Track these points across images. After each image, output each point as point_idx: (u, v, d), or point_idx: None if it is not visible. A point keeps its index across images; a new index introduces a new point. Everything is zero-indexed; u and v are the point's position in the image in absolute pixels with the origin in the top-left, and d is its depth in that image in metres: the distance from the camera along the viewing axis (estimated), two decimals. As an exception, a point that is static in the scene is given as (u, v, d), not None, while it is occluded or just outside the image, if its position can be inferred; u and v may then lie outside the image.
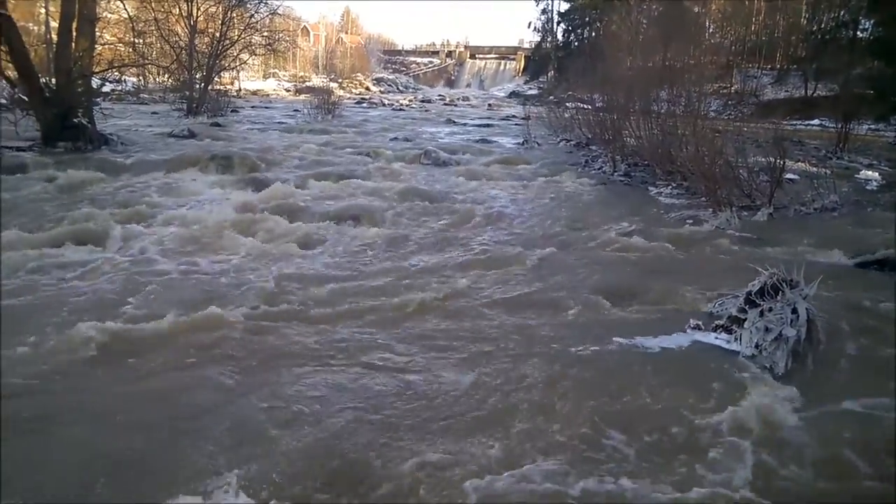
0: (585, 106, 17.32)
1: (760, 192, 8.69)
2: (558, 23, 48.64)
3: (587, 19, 42.83)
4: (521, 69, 57.23)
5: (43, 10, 24.76)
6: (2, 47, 12.47)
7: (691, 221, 8.04)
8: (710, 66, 19.10)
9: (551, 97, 28.30)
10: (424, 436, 3.17)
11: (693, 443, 3.13)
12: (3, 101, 18.28)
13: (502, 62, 61.09)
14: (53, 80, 13.21)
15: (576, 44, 43.10)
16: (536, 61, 52.30)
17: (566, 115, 18.02)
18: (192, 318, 4.41)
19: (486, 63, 62.57)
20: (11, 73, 13.12)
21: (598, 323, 4.68)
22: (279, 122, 20.73)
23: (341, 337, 4.34)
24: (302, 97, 32.20)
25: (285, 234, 6.92)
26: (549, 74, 47.07)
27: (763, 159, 9.19)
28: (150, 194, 8.72)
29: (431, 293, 5.17)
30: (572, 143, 16.36)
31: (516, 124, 22.21)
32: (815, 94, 29.74)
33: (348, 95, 39.22)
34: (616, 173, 11.97)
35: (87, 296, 4.90)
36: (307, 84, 42.50)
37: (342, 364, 3.94)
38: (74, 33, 12.94)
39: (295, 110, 25.38)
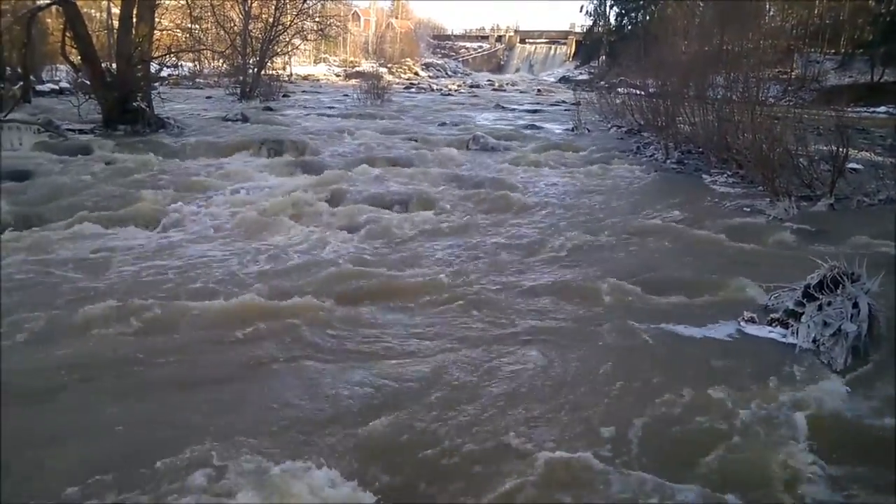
0: (638, 91, 16.91)
1: (821, 181, 8.34)
2: (611, 6, 47.59)
3: (641, 2, 41.74)
4: (572, 54, 56.23)
5: (105, -3, 25.53)
6: (67, 33, 12.96)
7: (747, 211, 7.80)
8: (769, 50, 18.39)
9: (602, 82, 27.71)
10: (474, 418, 3.19)
11: (746, 437, 3.05)
12: (68, 85, 19.02)
13: (552, 47, 60.08)
14: (114, 65, 13.65)
15: (629, 28, 42.09)
16: (588, 46, 51.31)
17: (618, 101, 17.63)
18: (239, 299, 4.52)
19: (535, 48, 61.67)
20: (75, 58, 13.62)
21: (646, 312, 4.61)
22: (329, 107, 20.94)
23: (384, 319, 4.39)
24: (351, 82, 32.41)
25: (333, 217, 7.01)
26: (600, 59, 46.13)
27: (824, 148, 8.81)
28: (203, 177, 8.94)
29: (476, 277, 5.19)
30: (623, 129, 16.02)
31: (566, 110, 21.89)
32: (882, 80, 28.29)
33: (397, 80, 39.28)
34: (668, 161, 11.68)
35: (139, 274, 5.09)
36: (357, 69, 42.73)
37: (386, 346, 3.99)
38: (135, 20, 13.32)
39: (344, 95, 25.59)
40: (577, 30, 56.70)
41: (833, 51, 34.76)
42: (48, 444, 2.91)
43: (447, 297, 4.80)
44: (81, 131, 12.45)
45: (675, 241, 6.48)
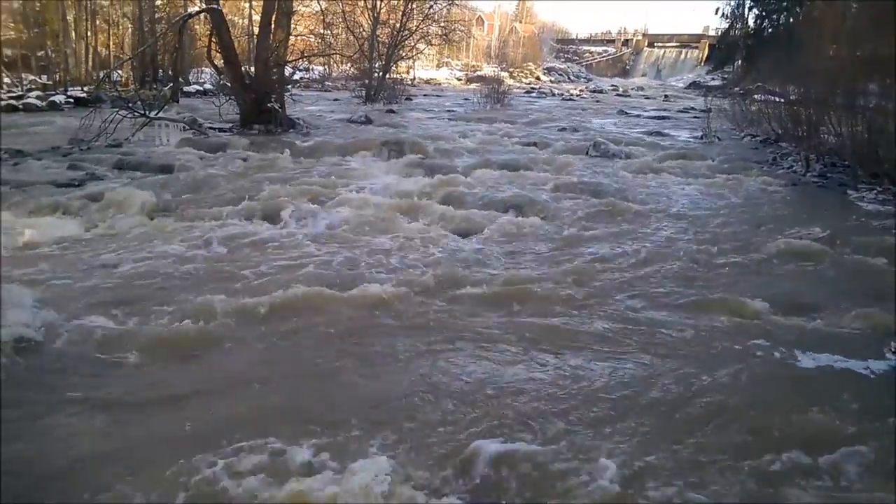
0: (777, 98, 15.71)
1: None
2: (750, 8, 44.63)
3: (785, 3, 38.89)
4: (704, 58, 53.40)
5: (247, 5, 27.41)
6: (213, 38, 13.99)
7: (900, 232, 7.00)
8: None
9: (737, 88, 26.09)
10: (566, 424, 3.07)
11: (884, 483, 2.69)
12: (211, 87, 20.54)
13: (683, 51, 57.41)
14: (253, 69, 14.58)
15: (769, 30, 39.32)
16: (722, 50, 48.38)
17: (753, 108, 16.48)
18: (349, 293, 4.66)
19: (664, 52, 59.22)
20: (219, 61, 14.68)
21: (775, 335, 4.24)
22: (449, 111, 21.20)
23: (490, 322, 4.35)
24: (472, 86, 32.67)
25: (449, 219, 7.03)
26: (735, 64, 43.45)
27: None
28: (327, 175, 9.28)
29: (587, 287, 5.01)
30: (759, 138, 14.95)
31: (695, 117, 20.78)
32: None
33: (518, 85, 39.17)
34: (809, 173, 10.74)
35: (261, 265, 5.36)
36: (478, 73, 43.05)
37: (487, 347, 3.96)
38: (273, 26, 14.14)
39: (465, 99, 25.82)
40: (711, 33, 53.81)
41: None
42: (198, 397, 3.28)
43: (555, 303, 4.68)
44: (221, 130, 13.41)
45: (815, 261, 5.91)
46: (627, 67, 60.01)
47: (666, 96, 34.58)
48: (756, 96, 17.82)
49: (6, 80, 19.44)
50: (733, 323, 4.45)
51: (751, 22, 44.39)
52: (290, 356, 3.86)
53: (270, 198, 7.63)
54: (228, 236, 6.12)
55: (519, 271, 5.39)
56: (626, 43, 62.24)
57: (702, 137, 15.58)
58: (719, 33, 51.47)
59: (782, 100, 14.91)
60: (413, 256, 5.70)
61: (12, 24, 21.73)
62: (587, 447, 2.94)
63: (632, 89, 40.95)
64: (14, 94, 17.68)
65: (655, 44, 60.39)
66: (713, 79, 44.19)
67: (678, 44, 58.49)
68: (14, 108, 16.33)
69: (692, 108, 24.64)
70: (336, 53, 25.53)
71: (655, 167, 10.95)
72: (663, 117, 21.52)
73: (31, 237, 5.91)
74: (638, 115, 21.99)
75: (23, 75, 20.11)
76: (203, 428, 3.02)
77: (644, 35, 61.55)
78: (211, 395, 3.35)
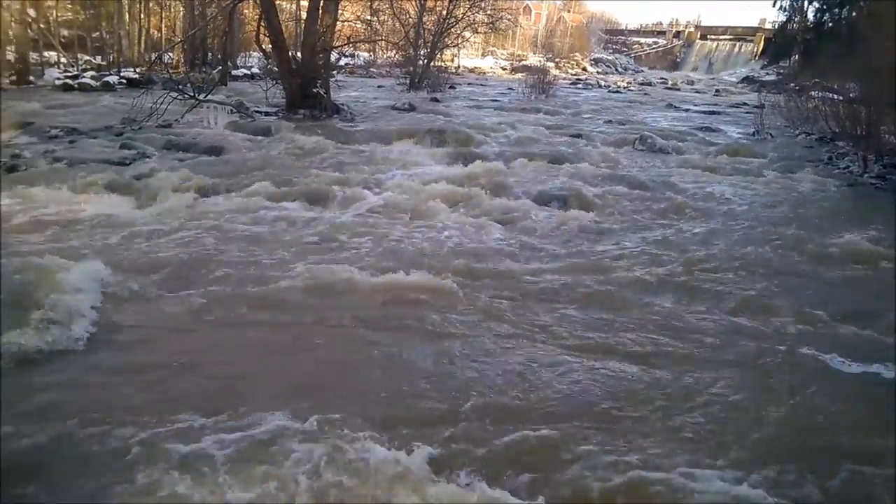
0: (835, 96, 15.11)
1: None
2: (810, 1, 42.99)
3: (847, -3, 37.32)
4: (759, 52, 51.72)
5: (296, -10, 27.63)
6: (261, 23, 14.13)
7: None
8: None
9: (792, 84, 25.21)
10: (610, 426, 3.01)
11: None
12: (258, 71, 20.82)
13: (737, 44, 55.67)
14: (299, 54, 14.69)
15: (830, 25, 37.82)
16: (778, 44, 46.67)
17: (809, 105, 15.88)
18: (388, 278, 4.70)
19: (717, 44, 57.54)
20: (266, 46, 14.83)
21: (826, 342, 4.08)
22: (493, 100, 21.03)
23: (531, 315, 4.30)
24: (517, 76, 32.30)
25: (489, 209, 6.98)
26: (791, 59, 41.95)
27: None
28: (370, 162, 9.33)
29: (630, 284, 4.91)
30: (814, 136, 14.41)
31: (747, 112, 20.15)
32: None
33: (563, 75, 38.61)
34: (867, 174, 10.30)
35: (303, 247, 5.49)
36: (523, 63, 42.57)
37: (524, 340, 3.93)
38: (320, 11, 14.19)
39: (509, 88, 25.57)
40: (767, 26, 52.08)
41: None
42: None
43: (596, 300, 4.60)
44: (267, 113, 13.59)
45: (871, 265, 5.67)
46: (678, 60, 58.58)
47: (717, 91, 33.65)
48: (813, 93, 17.14)
49: (63, 59, 20.02)
50: (782, 328, 4.29)
51: (810, 15, 42.64)
52: (322, 336, 3.90)
53: (313, 181, 7.72)
54: (272, 217, 6.25)
55: (560, 264, 5.30)
56: (677, 35, 60.74)
57: (754, 134, 15.11)
58: (776, 26, 49.73)
59: (841, 97, 14.36)
60: (454, 245, 5.67)
61: (69, 6, 22.38)
62: (616, 442, 2.88)
63: (682, 82, 39.95)
64: (70, 74, 18.20)
65: (708, 36, 58.75)
66: (768, 73, 42.79)
67: (732, 36, 56.78)
68: (70, 88, 16.84)
69: (744, 104, 23.92)
70: (381, 40, 25.60)
71: (705, 163, 10.66)
72: (714, 112, 20.94)
73: (84, 213, 6.10)
74: (687, 110, 21.45)
75: (78, 56, 20.69)
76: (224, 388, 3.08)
77: (697, 27, 59.93)
78: (238, 363, 3.41)
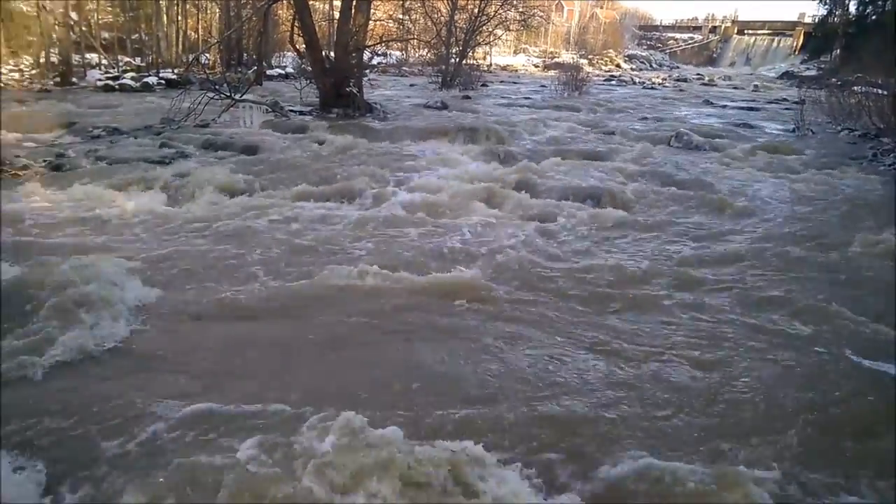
0: (878, 90, 14.66)
1: None
2: (854, -8, 41.72)
3: (892, -12, 36.14)
4: (799, 47, 50.45)
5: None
6: (295, 23, 14.28)
7: None
8: None
9: (834, 79, 24.52)
10: (647, 433, 2.96)
11: None
12: (292, 70, 21.05)
13: (776, 39, 54.36)
14: (332, 53, 14.80)
15: (872, 17, 36.69)
16: (818, 38, 45.48)
17: (852, 101, 15.45)
18: (422, 277, 4.71)
19: (755, 39, 56.27)
20: (300, 46, 14.97)
21: (869, 344, 3.96)
22: (525, 98, 20.91)
23: (564, 315, 4.26)
24: (550, 73, 32.06)
25: (524, 207, 6.95)
26: (833, 53, 40.84)
27: None
28: (402, 159, 9.36)
29: (667, 284, 4.83)
30: (857, 133, 14.00)
31: (787, 108, 19.67)
32: None
33: (597, 72, 38.20)
34: (913, 171, 9.99)
35: (337, 244, 5.55)
36: (556, 60, 42.21)
37: (560, 341, 3.89)
38: (353, 11, 14.27)
39: (542, 86, 25.41)
40: (807, 20, 50.75)
41: None
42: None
43: (632, 300, 4.53)
44: (301, 112, 13.73)
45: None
46: (714, 55, 57.50)
47: (755, 86, 32.86)
48: (855, 88, 16.69)
49: (104, 61, 20.53)
50: (822, 329, 4.18)
51: (852, 8, 41.48)
52: (353, 333, 3.92)
53: (347, 179, 7.78)
54: (307, 215, 6.32)
55: (595, 263, 5.24)
56: (713, 30, 59.62)
57: (794, 130, 14.74)
58: (816, 20, 48.41)
59: (885, 92, 13.93)
60: (487, 243, 5.65)
61: (110, 9, 22.94)
62: (676, 452, 2.83)
63: (718, 78, 39.13)
64: (111, 76, 18.65)
65: (746, 31, 57.53)
66: (808, 68, 41.76)
67: (771, 31, 55.51)
68: (111, 89, 17.28)
69: (784, 99, 23.38)
70: (414, 39, 25.62)
71: (743, 160, 10.44)
72: (752, 108, 20.49)
73: (124, 211, 6.24)
74: (724, 106, 21.03)
75: (119, 57, 21.18)
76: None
77: (734, 21, 58.73)
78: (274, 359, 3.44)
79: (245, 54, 23.95)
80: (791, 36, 52.72)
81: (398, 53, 32.22)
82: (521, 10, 27.96)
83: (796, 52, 50.72)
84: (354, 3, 14.19)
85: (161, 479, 2.48)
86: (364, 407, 3.00)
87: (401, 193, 7.27)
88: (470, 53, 25.17)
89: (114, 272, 4.27)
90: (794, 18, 53.75)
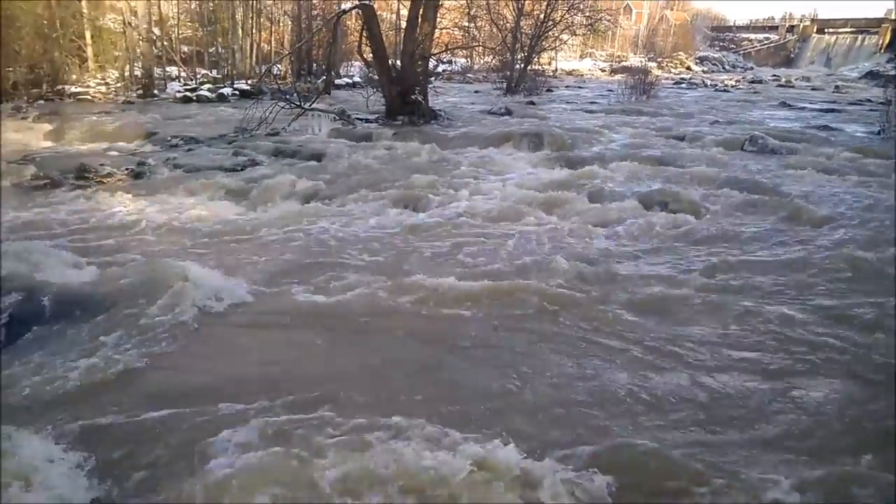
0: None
1: None
2: (946, -14, 39.27)
3: None
4: (885, 45, 47.77)
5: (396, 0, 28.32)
6: (363, 33, 14.58)
7: None
8: None
9: (924, 78, 23.08)
10: (705, 445, 2.88)
11: None
12: (359, 79, 21.48)
13: (859, 37, 51.65)
14: (399, 62, 15.03)
15: (968, 11, 34.33)
16: (907, 35, 43.05)
17: (945, 100, 14.48)
18: (490, 283, 4.67)
19: (835, 38, 53.65)
20: (368, 55, 15.28)
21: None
22: (591, 102, 20.63)
23: (635, 322, 4.17)
24: (616, 77, 31.51)
25: (588, 213, 6.85)
26: (923, 50, 38.48)
27: None
28: (467, 166, 9.38)
29: (739, 294, 4.64)
30: (950, 134, 13.14)
31: (871, 110, 18.63)
32: None
33: (666, 75, 37.32)
34: None
35: (404, 250, 5.61)
36: (623, 64, 41.49)
37: (634, 349, 3.82)
38: (420, 20, 14.46)
39: (608, 90, 24.98)
40: (894, 17, 48.02)
41: None
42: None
43: (703, 310, 4.38)
44: (367, 120, 13.99)
45: None
46: (792, 56, 55.20)
47: (837, 87, 31.34)
48: (950, 86, 15.65)
49: (183, 74, 21.55)
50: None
51: (946, 2, 39.02)
52: (420, 341, 3.94)
53: (413, 186, 7.86)
54: (374, 222, 6.41)
55: (666, 270, 5.11)
56: (790, 29, 57.28)
57: (879, 133, 13.95)
58: (905, 16, 45.68)
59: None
60: (555, 249, 5.60)
61: (189, 24, 24.09)
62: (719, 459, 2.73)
63: (796, 79, 37.53)
64: (189, 87, 19.55)
65: (826, 30, 54.99)
66: (895, 67, 39.46)
67: (853, 29, 52.80)
68: (189, 100, 18.12)
69: (868, 101, 22.18)
70: (479, 46, 25.67)
71: (823, 165, 9.92)
72: (833, 110, 19.54)
73: (201, 216, 6.52)
74: (803, 108, 20.14)
75: (196, 70, 22.20)
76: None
77: (813, 20, 56.26)
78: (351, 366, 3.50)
79: (315, 64, 24.64)
80: (876, 33, 50.00)
81: (463, 60, 32.38)
82: (587, 14, 27.62)
83: (882, 51, 48.04)
84: (421, 12, 14.37)
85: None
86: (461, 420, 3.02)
87: (466, 200, 7.28)
88: (535, 59, 25.03)
89: (190, 274, 4.43)
90: (880, 15, 50.96)
